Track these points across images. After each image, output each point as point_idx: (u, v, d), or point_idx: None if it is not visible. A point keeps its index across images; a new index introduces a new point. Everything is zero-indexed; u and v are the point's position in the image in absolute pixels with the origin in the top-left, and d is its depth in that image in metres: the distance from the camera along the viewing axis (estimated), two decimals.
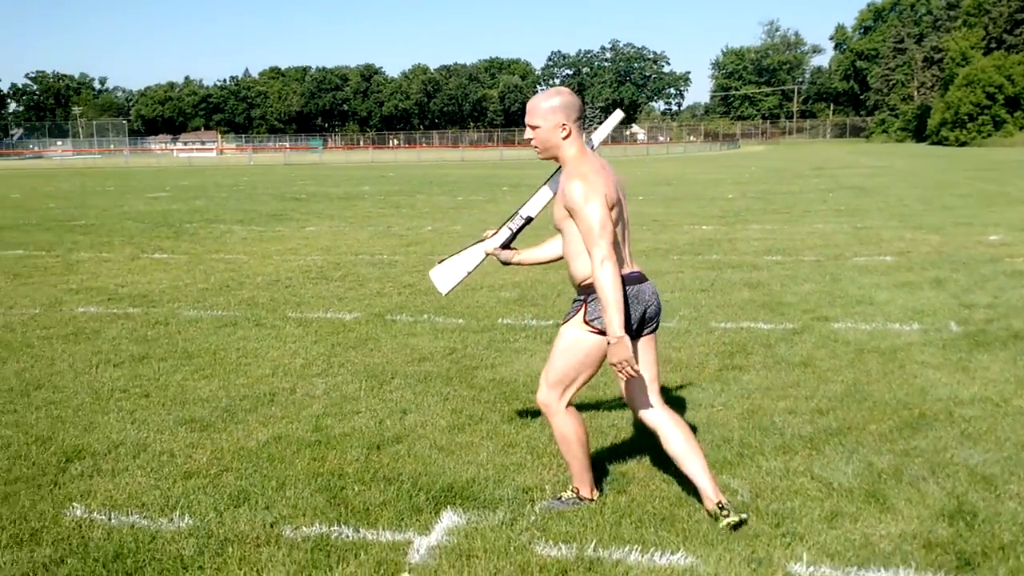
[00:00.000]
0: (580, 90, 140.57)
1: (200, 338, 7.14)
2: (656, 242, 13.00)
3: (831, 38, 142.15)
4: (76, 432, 4.87)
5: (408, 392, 5.56)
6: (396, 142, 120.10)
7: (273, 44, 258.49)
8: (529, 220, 4.18)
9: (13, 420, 5.09)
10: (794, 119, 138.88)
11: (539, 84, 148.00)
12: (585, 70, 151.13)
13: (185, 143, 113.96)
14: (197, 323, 7.71)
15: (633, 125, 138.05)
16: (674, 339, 6.82)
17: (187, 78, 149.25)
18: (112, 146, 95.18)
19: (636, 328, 3.66)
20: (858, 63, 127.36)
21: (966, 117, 74.17)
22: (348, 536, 3.54)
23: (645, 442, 4.52)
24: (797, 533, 3.46)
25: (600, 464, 4.22)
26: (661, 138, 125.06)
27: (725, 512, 3.53)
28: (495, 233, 4.28)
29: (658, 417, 3.75)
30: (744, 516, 3.55)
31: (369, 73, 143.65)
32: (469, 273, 4.36)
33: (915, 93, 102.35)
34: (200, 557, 3.39)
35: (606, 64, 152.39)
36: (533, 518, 3.64)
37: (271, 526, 3.65)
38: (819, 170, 35.63)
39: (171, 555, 3.41)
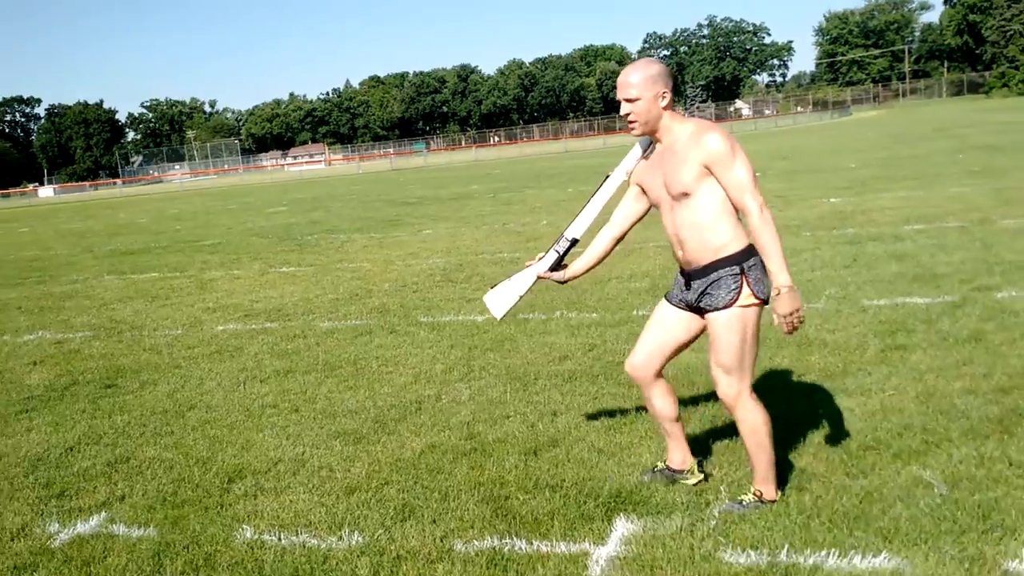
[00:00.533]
0: (679, 70, 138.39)
1: (339, 349, 7.16)
2: (784, 219, 12.51)
3: None
4: (234, 451, 4.90)
5: (555, 393, 5.42)
6: (497, 139, 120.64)
7: (371, 53, 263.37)
8: (575, 242, 4.01)
9: (173, 442, 5.17)
10: (907, 80, 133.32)
11: None
12: (683, 49, 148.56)
13: (295, 157, 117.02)
14: (334, 334, 7.75)
15: (736, 101, 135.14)
16: (825, 321, 6.48)
17: (291, 94, 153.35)
18: (226, 165, 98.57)
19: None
20: (970, 16, 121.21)
21: None
22: (521, 549, 3.41)
23: (818, 434, 4.27)
24: (1007, 527, 3.16)
25: (778, 462, 3.98)
26: (767, 111, 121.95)
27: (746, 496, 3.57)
28: (543, 256, 4.08)
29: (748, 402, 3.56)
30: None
31: (465, 73, 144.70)
32: (521, 297, 4.16)
33: None
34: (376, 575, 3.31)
35: (704, 41, 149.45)
36: (713, 523, 3.44)
37: (441, 540, 3.55)
38: (942, 131, 34.01)
39: (345, 574, 3.34)
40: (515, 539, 3.48)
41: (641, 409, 4.89)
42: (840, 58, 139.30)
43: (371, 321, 8.15)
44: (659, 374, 3.83)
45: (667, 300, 3.80)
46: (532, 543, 3.44)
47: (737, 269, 3.47)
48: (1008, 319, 5.96)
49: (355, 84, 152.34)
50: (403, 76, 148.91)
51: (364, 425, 5.14)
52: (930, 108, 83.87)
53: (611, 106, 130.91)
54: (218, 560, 3.57)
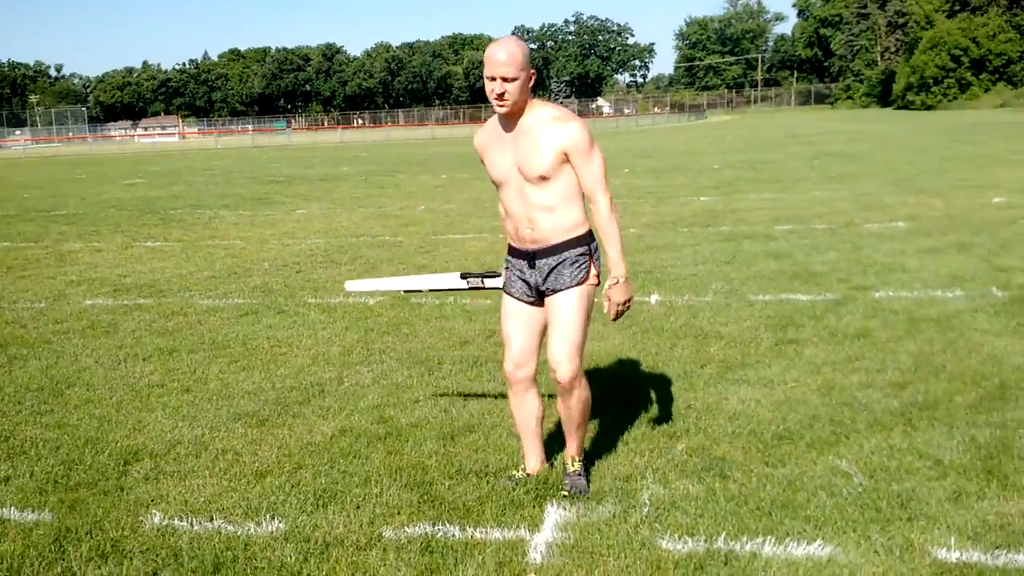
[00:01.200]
0: (545, 64, 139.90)
1: (224, 328, 6.87)
2: (659, 215, 12.82)
3: (794, 5, 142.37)
4: (125, 432, 4.62)
5: (461, 378, 5.35)
6: (361, 121, 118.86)
7: (232, 25, 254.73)
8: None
9: (55, 421, 4.82)
10: (758, 88, 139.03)
11: None
12: (549, 44, 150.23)
13: (145, 128, 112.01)
14: (216, 312, 7.43)
15: (599, 98, 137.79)
16: (716, 314, 6.65)
17: (145, 63, 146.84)
18: (71, 134, 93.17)
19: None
20: (821, 30, 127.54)
21: (931, 80, 74.61)
22: (454, 535, 3.33)
23: (731, 423, 4.36)
24: (929, 515, 3.30)
25: (696, 450, 4.05)
26: (627, 111, 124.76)
27: (575, 467, 3.75)
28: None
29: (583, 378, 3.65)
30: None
31: (331, 52, 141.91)
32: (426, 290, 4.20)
33: (879, 58, 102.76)
34: (305, 563, 3.17)
35: (570, 38, 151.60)
36: (645, 510, 3.45)
37: (368, 525, 3.44)
38: (794, 137, 35.63)
39: (274, 563, 3.18)
40: (447, 525, 3.40)
41: (552, 397, 4.88)
42: (698, 63, 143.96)
43: (255, 300, 7.86)
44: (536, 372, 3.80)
45: (512, 296, 3.74)
46: (465, 529, 3.37)
47: (586, 250, 3.57)
48: (889, 317, 6.27)
49: (214, 56, 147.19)
50: (265, 51, 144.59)
51: (265, 407, 4.94)
52: (780, 115, 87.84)
53: (477, 95, 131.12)
54: (126, 546, 3.34)
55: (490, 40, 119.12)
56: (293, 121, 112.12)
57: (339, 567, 3.14)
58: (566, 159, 3.44)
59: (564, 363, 3.52)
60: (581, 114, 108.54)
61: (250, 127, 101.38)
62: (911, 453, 3.87)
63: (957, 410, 4.38)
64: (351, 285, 4.64)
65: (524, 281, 3.67)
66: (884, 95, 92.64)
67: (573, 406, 3.64)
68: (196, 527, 3.49)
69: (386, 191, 19.26)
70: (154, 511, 3.63)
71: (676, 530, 3.28)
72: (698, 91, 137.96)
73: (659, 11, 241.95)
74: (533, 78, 3.46)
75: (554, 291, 3.57)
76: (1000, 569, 2.93)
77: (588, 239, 3.58)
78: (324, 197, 18.30)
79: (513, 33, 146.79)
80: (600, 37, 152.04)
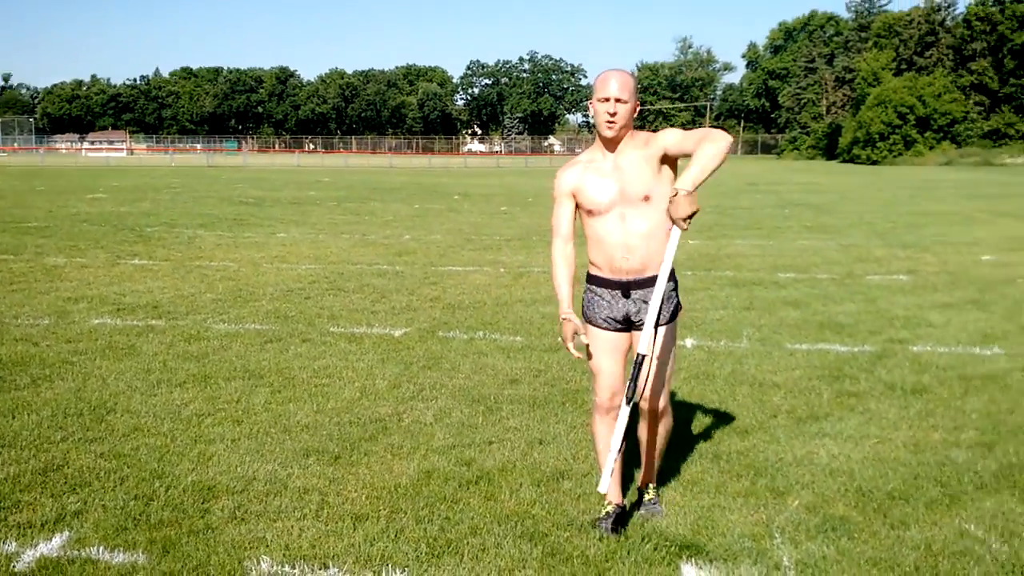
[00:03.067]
0: (499, 100, 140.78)
1: (253, 355, 6.58)
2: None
3: (743, 56, 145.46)
4: (190, 465, 4.33)
5: (526, 419, 5.15)
6: (313, 146, 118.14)
7: (184, 44, 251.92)
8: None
9: (108, 450, 4.52)
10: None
11: (458, 92, 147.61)
12: (504, 80, 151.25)
13: (92, 142, 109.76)
14: (237, 338, 7.12)
15: (550, 136, 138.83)
16: (761, 362, 6.55)
17: (94, 76, 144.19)
18: (17, 144, 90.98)
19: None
20: (769, 82, 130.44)
21: (877, 136, 76.48)
22: None
23: (833, 480, 4.23)
24: None
25: (811, 508, 3.91)
26: (578, 149, 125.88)
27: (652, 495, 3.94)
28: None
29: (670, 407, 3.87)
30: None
31: (284, 76, 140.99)
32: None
33: (825, 112, 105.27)
34: None
35: (524, 75, 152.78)
36: (792, 574, 3.29)
37: None
38: (754, 186, 36.11)
39: None
40: None
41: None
42: (649, 107, 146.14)
43: (274, 327, 7.57)
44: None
45: (595, 326, 3.76)
46: None
47: (675, 284, 3.72)
48: (940, 373, 6.22)
49: (165, 73, 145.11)
50: (217, 71, 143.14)
51: (331, 443, 4.69)
52: (731, 163, 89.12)
53: (430, 126, 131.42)
54: None
55: (444, 74, 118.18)
56: (244, 143, 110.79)
57: None
58: (664, 163, 3.57)
59: (659, 393, 3.71)
60: (532, 151, 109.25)
61: (199, 146, 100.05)
62: None
63: None
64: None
65: (611, 311, 3.71)
66: (830, 148, 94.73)
67: (662, 434, 3.85)
68: (310, 575, 3.23)
69: (363, 218, 18.99)
70: (256, 556, 3.37)
71: None
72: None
73: (612, 55, 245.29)
74: (637, 110, 3.61)
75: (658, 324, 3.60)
76: None
77: (674, 272, 3.66)
78: (301, 221, 17.98)
79: (468, 68, 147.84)
80: (554, 76, 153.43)
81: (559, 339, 4.04)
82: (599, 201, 3.63)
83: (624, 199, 3.58)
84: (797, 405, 5.47)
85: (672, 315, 3.71)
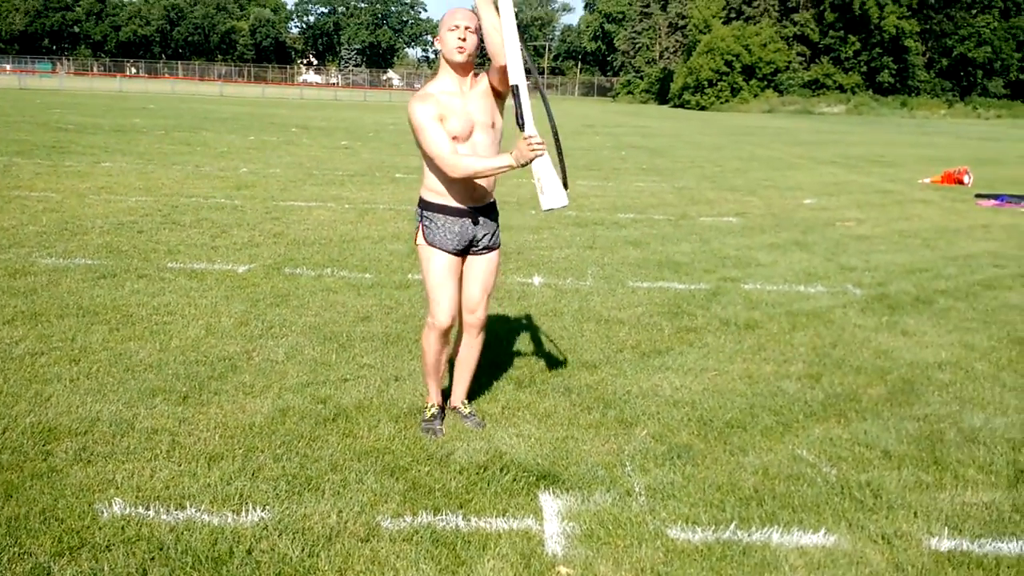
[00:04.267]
0: (336, 30, 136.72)
1: (85, 291, 6.25)
2: (500, 194, 12.72)
3: None
4: (26, 406, 4.11)
5: (380, 356, 5.14)
6: (135, 71, 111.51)
7: None
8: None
9: None
10: (544, 75, 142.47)
11: (292, 19, 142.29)
12: (341, 9, 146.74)
13: None
14: (67, 273, 6.74)
15: (389, 71, 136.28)
16: (606, 298, 6.77)
17: None
18: None
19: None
20: (606, 25, 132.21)
21: (706, 83, 79.12)
22: (460, 526, 3.20)
23: (675, 411, 4.45)
24: (905, 504, 3.50)
25: (657, 437, 4.11)
26: (417, 85, 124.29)
27: (469, 408, 4.27)
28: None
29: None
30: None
31: None
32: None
33: (658, 57, 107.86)
34: (311, 557, 2.94)
35: (363, 5, 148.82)
36: (643, 499, 3.46)
37: (360, 515, 3.24)
38: (591, 127, 36.75)
39: (277, 557, 2.93)
40: (448, 515, 3.26)
41: (496, 373, 4.80)
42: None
43: (106, 262, 7.20)
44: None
45: (441, 250, 3.96)
46: (468, 520, 3.25)
47: (496, 218, 4.14)
48: (769, 309, 6.60)
49: None
50: None
51: (177, 383, 4.54)
52: (568, 104, 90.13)
53: (263, 55, 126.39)
54: (94, 539, 2.98)
55: (277, 0, 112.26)
56: (59, 64, 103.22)
57: (352, 561, 2.95)
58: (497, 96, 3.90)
59: (482, 309, 4.11)
60: (371, 84, 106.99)
61: (8, 67, 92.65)
62: (858, 444, 4.11)
63: (875, 403, 4.68)
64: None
65: (460, 237, 3.96)
66: (662, 93, 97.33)
67: (478, 348, 4.22)
68: (167, 516, 3.16)
69: (195, 149, 18.17)
70: (107, 497, 3.25)
71: (680, 519, 3.32)
72: (485, 71, 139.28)
73: None
74: (478, 46, 3.87)
75: (489, 248, 4.07)
76: (991, 556, 3.16)
77: (496, 206, 4.14)
78: (127, 151, 17.03)
79: None
80: (393, 8, 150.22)
81: (408, 275, 4.05)
82: (461, 128, 3.81)
83: (479, 127, 3.85)
84: (641, 340, 5.69)
85: (499, 242, 4.14)
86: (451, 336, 4.09)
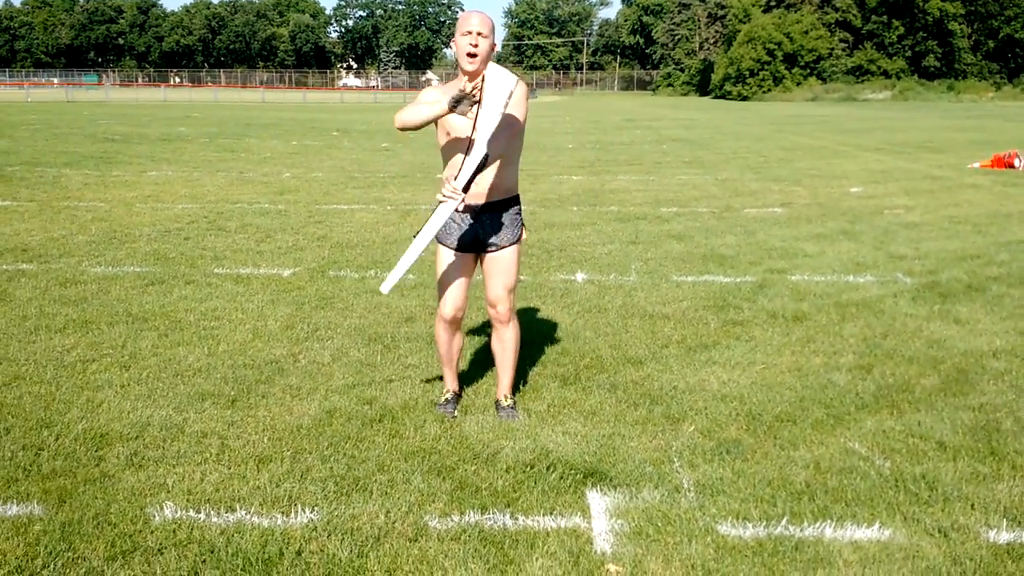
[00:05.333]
0: (375, 32, 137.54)
1: (134, 299, 6.34)
2: (542, 191, 12.84)
3: None
4: (79, 413, 4.18)
5: (426, 356, 5.14)
6: (179, 80, 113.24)
7: None
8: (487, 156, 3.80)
9: None
10: (583, 70, 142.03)
11: (331, 24, 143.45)
12: (379, 12, 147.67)
13: None
14: (116, 281, 6.85)
15: (428, 71, 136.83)
16: (650, 293, 6.72)
17: None
18: None
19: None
20: (644, 18, 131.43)
21: (747, 72, 78.33)
22: (508, 525, 3.19)
23: (726, 406, 4.40)
24: (961, 496, 3.42)
25: (706, 432, 4.06)
26: None
27: (509, 402, 4.26)
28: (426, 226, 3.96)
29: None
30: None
31: (146, 6, 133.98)
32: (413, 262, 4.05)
33: (698, 48, 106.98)
34: (360, 558, 2.95)
35: (400, 7, 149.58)
36: (692, 495, 3.42)
37: (408, 515, 3.24)
38: (632, 121, 36.59)
39: (326, 558, 2.95)
40: (495, 514, 3.25)
41: (540, 370, 4.80)
42: (526, 42, 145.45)
43: (154, 269, 7.30)
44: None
45: (446, 246, 4.12)
46: (516, 518, 3.24)
47: (520, 208, 4.21)
48: (817, 301, 6.50)
49: (16, 3, 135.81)
50: (74, 0, 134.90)
51: (225, 387, 4.59)
52: (606, 99, 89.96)
53: (304, 60, 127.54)
54: (147, 542, 3.02)
55: (316, 5, 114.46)
56: (105, 76, 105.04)
57: (401, 561, 2.95)
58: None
59: (505, 303, 4.16)
60: (410, 86, 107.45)
61: (56, 80, 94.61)
62: (912, 435, 4.02)
63: (929, 394, 4.59)
64: (386, 287, 4.18)
65: (461, 233, 4.07)
66: (703, 84, 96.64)
67: (511, 343, 4.25)
68: (217, 519, 3.19)
69: (239, 155, 18.39)
70: (158, 502, 3.29)
71: (730, 515, 3.27)
72: (526, 70, 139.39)
73: None
74: (495, 50, 3.92)
75: (503, 245, 4.11)
76: None
77: (519, 199, 4.22)
78: (173, 159, 17.29)
79: (341, 0, 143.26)
80: (430, 8, 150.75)
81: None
82: (461, 126, 3.88)
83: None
84: (687, 335, 5.64)
85: (518, 238, 4.16)
86: (460, 327, 4.30)
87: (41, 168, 15.11)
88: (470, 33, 3.80)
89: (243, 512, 3.25)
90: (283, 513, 3.24)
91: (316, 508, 3.28)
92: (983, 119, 37.54)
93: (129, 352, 5.14)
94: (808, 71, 77.66)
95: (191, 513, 3.23)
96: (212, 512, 3.24)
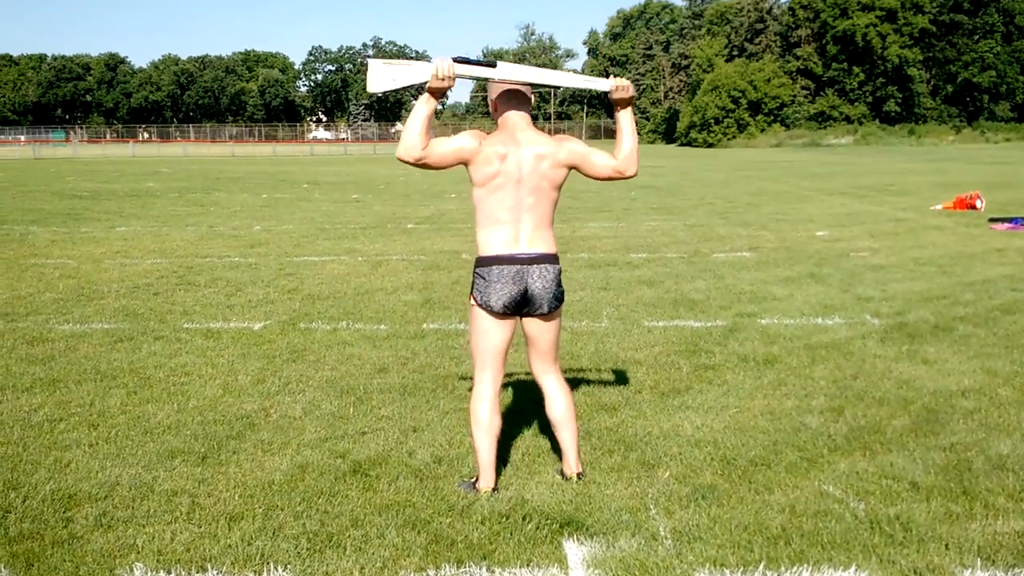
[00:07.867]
0: (344, 86, 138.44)
1: (103, 356, 6.27)
2: None
3: (584, 43, 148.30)
4: (47, 473, 4.10)
5: (398, 408, 5.11)
6: (147, 135, 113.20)
7: (3, 28, 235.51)
8: (492, 64, 3.97)
9: None
10: (551, 120, 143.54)
11: (300, 79, 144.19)
12: (348, 66, 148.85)
13: None
14: (84, 338, 6.78)
15: (397, 123, 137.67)
16: (622, 339, 6.74)
17: None
18: None
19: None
20: (610, 68, 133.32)
21: (712, 120, 79.51)
22: None
23: (699, 451, 4.40)
24: (936, 537, 3.42)
25: (681, 478, 4.06)
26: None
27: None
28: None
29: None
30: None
31: (114, 63, 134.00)
32: (404, 87, 4.00)
33: (663, 97, 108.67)
34: None
35: (369, 61, 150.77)
36: (668, 543, 3.40)
37: (383, 570, 3.20)
38: None
39: None
40: (473, 567, 3.22)
41: (513, 419, 4.77)
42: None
43: (123, 325, 7.23)
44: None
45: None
46: (493, 571, 3.20)
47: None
48: (788, 343, 6.55)
49: None
50: (41, 58, 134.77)
51: (195, 444, 4.53)
52: None
53: (273, 114, 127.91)
54: None
55: (285, 60, 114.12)
56: (72, 133, 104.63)
57: None
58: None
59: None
60: (380, 138, 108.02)
61: (23, 137, 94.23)
62: (886, 476, 4.03)
63: (900, 434, 4.61)
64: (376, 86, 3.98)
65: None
66: (669, 132, 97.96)
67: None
68: None
69: (208, 209, 18.36)
70: (128, 563, 3.23)
71: (708, 562, 3.25)
72: (494, 121, 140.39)
73: (456, 41, 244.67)
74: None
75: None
76: None
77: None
78: (142, 214, 17.24)
79: (311, 54, 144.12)
80: None
81: (424, 325, 4.00)
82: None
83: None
84: (660, 380, 5.65)
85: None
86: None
87: (8, 226, 15.00)
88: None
89: (214, 572, 3.19)
90: (255, 572, 3.19)
91: (289, 566, 3.23)
92: (944, 162, 38.28)
93: (97, 410, 5.07)
94: (772, 118, 79.00)
95: (162, 574, 3.17)
96: (183, 572, 3.18)
